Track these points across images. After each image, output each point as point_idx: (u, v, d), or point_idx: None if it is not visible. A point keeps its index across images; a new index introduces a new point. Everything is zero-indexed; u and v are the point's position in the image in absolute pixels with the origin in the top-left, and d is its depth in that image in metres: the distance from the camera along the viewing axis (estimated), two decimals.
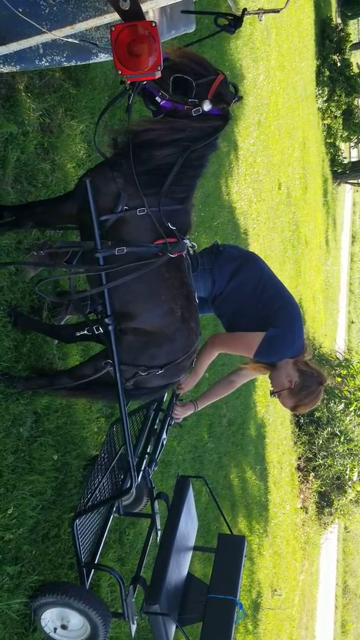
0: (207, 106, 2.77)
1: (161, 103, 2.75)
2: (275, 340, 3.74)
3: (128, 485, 3.58)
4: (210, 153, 2.94)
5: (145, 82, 2.66)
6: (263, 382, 10.30)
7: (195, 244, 3.12)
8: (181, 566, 3.97)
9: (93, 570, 3.70)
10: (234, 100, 2.91)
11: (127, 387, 3.20)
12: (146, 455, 3.90)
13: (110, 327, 3.00)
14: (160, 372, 3.13)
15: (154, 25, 2.23)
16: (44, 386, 3.44)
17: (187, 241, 2.99)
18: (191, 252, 3.16)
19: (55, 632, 3.53)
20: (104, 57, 2.97)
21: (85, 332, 3.23)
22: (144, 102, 2.83)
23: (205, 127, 2.81)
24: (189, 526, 4.12)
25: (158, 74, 2.40)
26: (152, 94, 2.74)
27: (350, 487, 13.88)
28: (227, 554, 4.11)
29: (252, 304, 3.83)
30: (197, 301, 3.22)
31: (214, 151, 2.97)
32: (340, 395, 13.22)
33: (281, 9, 3.34)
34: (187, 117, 2.77)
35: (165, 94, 2.74)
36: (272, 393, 3.87)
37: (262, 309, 3.80)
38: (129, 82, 2.60)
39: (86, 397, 3.62)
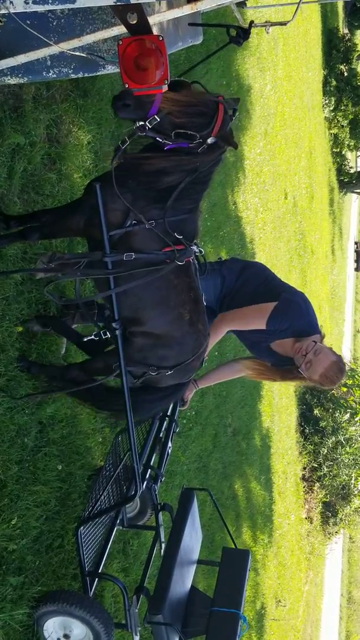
0: (211, 140, 2.74)
1: (165, 148, 2.73)
2: (288, 303, 3.77)
3: (133, 492, 3.58)
4: (215, 168, 2.96)
5: (144, 133, 2.64)
6: (268, 391, 10.29)
7: (202, 250, 3.14)
8: (185, 578, 3.95)
9: (96, 579, 3.68)
10: (233, 118, 2.89)
11: (136, 386, 3.23)
12: (150, 469, 3.89)
13: (117, 332, 3.02)
14: (170, 372, 3.19)
15: (161, 39, 2.23)
16: (56, 375, 3.49)
17: (194, 247, 3.01)
18: (199, 256, 3.19)
19: None
20: (111, 69, 2.98)
21: (93, 337, 3.27)
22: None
23: (213, 157, 2.83)
24: (193, 539, 4.11)
25: (165, 88, 2.40)
26: (155, 138, 2.72)
27: (355, 495, 13.83)
28: (231, 567, 4.10)
29: (260, 296, 3.85)
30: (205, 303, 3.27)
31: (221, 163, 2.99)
32: (345, 405, 13.19)
33: (288, 21, 3.36)
34: (191, 153, 2.76)
35: (168, 141, 2.71)
36: (300, 366, 3.74)
37: (271, 294, 3.84)
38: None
39: (100, 403, 3.58)
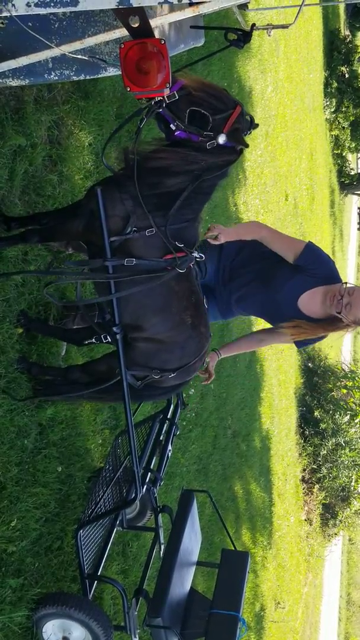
0: (222, 139, 2.76)
1: (176, 133, 2.74)
2: (316, 247, 3.74)
3: (133, 495, 3.58)
4: (220, 180, 2.96)
5: (161, 109, 2.65)
6: (268, 393, 10.28)
7: (203, 255, 3.14)
8: (184, 580, 3.95)
9: (96, 582, 3.68)
10: (247, 133, 2.91)
11: (138, 387, 3.24)
12: (150, 472, 3.89)
13: (118, 336, 3.03)
14: (172, 375, 3.20)
15: (163, 42, 2.23)
16: (56, 376, 3.53)
17: (195, 253, 3.01)
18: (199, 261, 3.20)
19: None
20: (112, 72, 2.98)
21: (94, 340, 3.29)
22: (157, 125, 2.83)
23: (219, 161, 2.82)
24: (192, 541, 4.11)
25: (166, 91, 2.40)
26: (167, 122, 2.73)
27: (355, 497, 13.82)
28: (230, 569, 4.09)
29: (271, 253, 3.78)
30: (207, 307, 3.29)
31: (225, 177, 2.99)
32: (345, 407, 13.19)
33: (290, 24, 3.34)
34: (200, 149, 2.76)
35: (180, 125, 2.72)
36: (340, 311, 3.61)
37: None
38: (144, 103, 2.61)
39: (99, 397, 3.58)
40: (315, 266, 3.71)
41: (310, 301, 3.74)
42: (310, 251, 3.71)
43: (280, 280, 3.76)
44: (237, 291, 3.91)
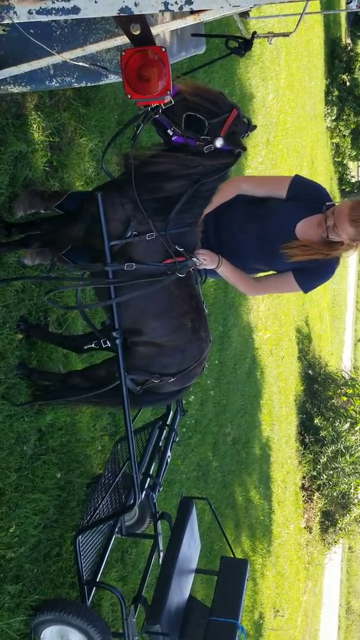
0: (219, 143, 2.76)
1: (173, 138, 2.74)
2: (307, 178, 3.71)
3: (131, 501, 3.58)
4: (220, 184, 2.96)
5: (157, 115, 2.66)
6: (268, 400, 10.27)
7: (202, 260, 3.15)
8: (183, 588, 3.94)
9: (94, 588, 3.68)
10: (245, 135, 2.92)
11: (138, 392, 3.24)
12: (149, 477, 3.89)
13: (117, 341, 3.03)
14: (172, 379, 3.20)
15: (163, 50, 2.23)
16: (56, 381, 3.53)
17: (194, 259, 3.02)
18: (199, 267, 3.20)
19: None
20: (114, 78, 2.98)
21: (93, 345, 3.29)
22: (156, 130, 2.84)
23: (217, 164, 2.82)
24: (191, 548, 4.10)
25: (167, 98, 2.41)
26: (164, 127, 2.74)
27: (355, 504, 13.78)
28: (229, 577, 4.09)
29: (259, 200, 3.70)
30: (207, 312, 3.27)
31: (224, 181, 2.99)
32: (345, 414, 13.16)
33: (290, 32, 3.37)
34: (198, 153, 2.77)
35: (177, 130, 2.73)
36: (329, 235, 3.48)
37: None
38: (142, 109, 2.62)
39: (98, 401, 3.57)
40: (308, 191, 3.65)
41: (308, 230, 3.61)
42: (300, 180, 3.67)
43: (273, 214, 3.63)
44: (231, 244, 3.71)
